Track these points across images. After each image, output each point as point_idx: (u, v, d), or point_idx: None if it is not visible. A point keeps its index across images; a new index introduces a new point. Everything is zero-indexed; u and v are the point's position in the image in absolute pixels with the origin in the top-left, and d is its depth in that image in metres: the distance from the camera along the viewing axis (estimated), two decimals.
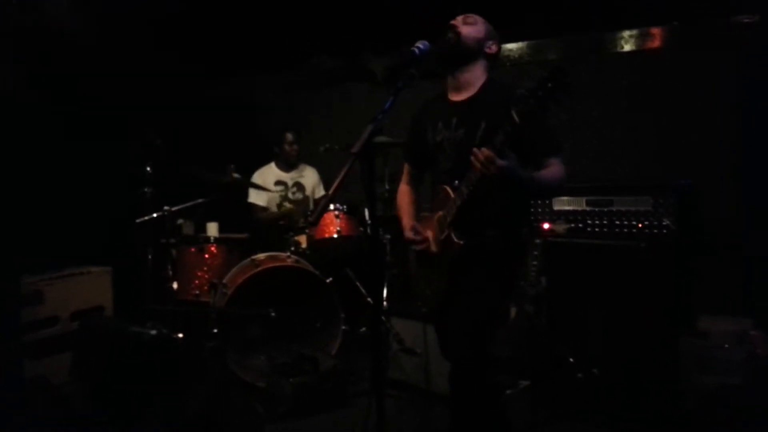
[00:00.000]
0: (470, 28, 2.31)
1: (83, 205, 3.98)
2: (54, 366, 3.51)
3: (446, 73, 2.38)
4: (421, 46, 2.10)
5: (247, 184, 4.33)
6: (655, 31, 3.71)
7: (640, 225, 3.05)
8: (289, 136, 4.51)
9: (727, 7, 3.41)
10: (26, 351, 3.34)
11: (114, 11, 4.09)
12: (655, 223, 3.00)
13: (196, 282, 3.87)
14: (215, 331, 3.52)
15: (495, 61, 2.38)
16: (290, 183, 4.57)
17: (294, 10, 4.55)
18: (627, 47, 3.81)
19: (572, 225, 3.25)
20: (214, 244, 3.98)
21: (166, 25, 4.37)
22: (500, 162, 1.98)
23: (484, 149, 1.99)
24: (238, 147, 4.77)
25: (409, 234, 2.43)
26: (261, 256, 3.81)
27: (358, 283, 4.19)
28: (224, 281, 3.71)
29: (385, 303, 3.75)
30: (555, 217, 3.30)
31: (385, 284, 3.84)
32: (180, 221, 4.31)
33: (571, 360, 3.10)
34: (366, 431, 2.28)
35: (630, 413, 2.93)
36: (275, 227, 4.28)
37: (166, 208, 3.84)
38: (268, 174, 4.56)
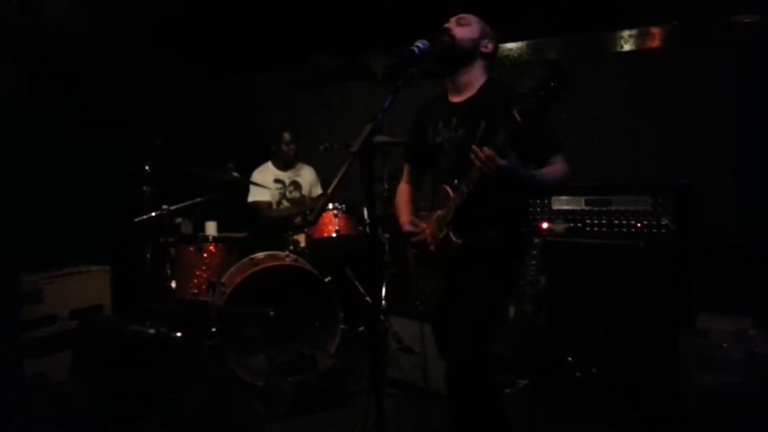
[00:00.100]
0: (464, 29, 2.30)
1: (82, 204, 3.99)
2: (53, 364, 3.51)
3: (445, 74, 2.38)
4: (420, 45, 2.11)
5: (248, 182, 4.33)
6: (655, 30, 3.71)
7: (639, 225, 3.05)
8: (287, 136, 4.49)
9: (727, 7, 3.40)
10: (26, 349, 3.34)
11: (114, 11, 4.10)
12: (655, 222, 3.00)
13: (195, 281, 3.88)
14: (214, 330, 3.53)
15: (493, 60, 2.38)
16: (287, 182, 4.57)
17: (294, 9, 4.55)
18: (627, 47, 3.80)
19: (571, 224, 3.25)
20: (213, 243, 3.99)
21: (166, 25, 4.37)
22: (500, 161, 1.98)
23: (485, 148, 1.99)
24: (238, 147, 4.78)
25: (408, 227, 2.42)
26: (260, 255, 3.81)
27: (356, 282, 4.19)
28: (223, 280, 3.71)
29: (383, 302, 3.75)
30: (554, 216, 3.30)
31: (384, 283, 3.84)
32: (179, 220, 4.33)
33: (570, 359, 3.10)
34: (365, 430, 2.28)
35: (629, 412, 2.93)
36: (281, 225, 4.27)
37: (165, 207, 3.85)
38: (266, 173, 4.55)
